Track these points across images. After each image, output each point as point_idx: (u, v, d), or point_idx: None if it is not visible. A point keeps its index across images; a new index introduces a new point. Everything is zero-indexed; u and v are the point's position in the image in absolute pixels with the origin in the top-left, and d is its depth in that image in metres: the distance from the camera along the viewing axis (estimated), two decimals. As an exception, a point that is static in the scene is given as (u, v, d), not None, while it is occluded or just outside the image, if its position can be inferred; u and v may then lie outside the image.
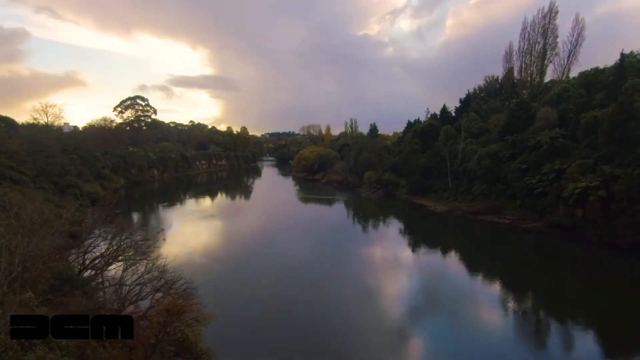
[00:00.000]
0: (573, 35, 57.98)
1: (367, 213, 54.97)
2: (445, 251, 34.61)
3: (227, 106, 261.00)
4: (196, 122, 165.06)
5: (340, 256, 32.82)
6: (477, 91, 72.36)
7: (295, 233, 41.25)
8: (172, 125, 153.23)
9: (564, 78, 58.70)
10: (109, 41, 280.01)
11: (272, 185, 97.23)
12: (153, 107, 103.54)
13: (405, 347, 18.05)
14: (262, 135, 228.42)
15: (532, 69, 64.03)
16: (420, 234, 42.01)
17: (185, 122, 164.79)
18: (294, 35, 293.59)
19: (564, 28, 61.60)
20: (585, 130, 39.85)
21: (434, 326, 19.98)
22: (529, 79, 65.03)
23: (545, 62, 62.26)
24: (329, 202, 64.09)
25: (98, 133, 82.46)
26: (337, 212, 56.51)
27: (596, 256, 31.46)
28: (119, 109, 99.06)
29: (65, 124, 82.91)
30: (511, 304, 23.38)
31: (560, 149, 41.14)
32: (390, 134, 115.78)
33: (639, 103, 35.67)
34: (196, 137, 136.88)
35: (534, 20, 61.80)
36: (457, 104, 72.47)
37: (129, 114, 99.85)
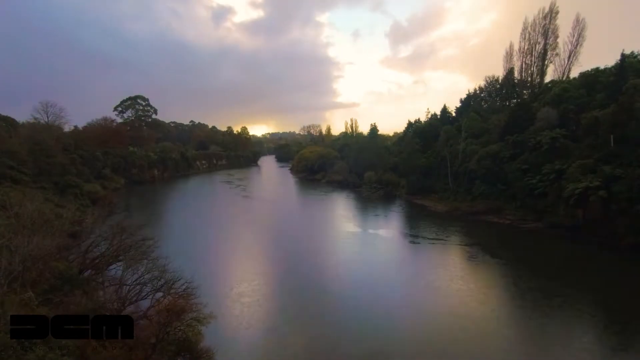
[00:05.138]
0: (573, 36, 57.94)
1: (367, 213, 54.88)
2: (445, 251, 34.54)
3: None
4: (196, 122, 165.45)
5: (342, 257, 32.83)
6: (478, 91, 72.33)
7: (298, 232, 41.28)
8: (172, 125, 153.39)
9: (564, 78, 58.63)
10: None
11: (272, 185, 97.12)
12: (153, 107, 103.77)
13: (404, 347, 18.03)
14: (262, 135, 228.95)
15: (532, 69, 63.92)
16: (420, 234, 41.93)
17: (186, 121, 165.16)
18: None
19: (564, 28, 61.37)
20: (586, 130, 39.81)
21: (432, 325, 19.95)
22: (529, 79, 64.94)
23: (546, 62, 62.17)
24: (330, 202, 64.08)
25: (98, 133, 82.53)
26: (338, 212, 56.47)
27: (596, 256, 31.39)
28: (120, 108, 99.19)
29: (65, 123, 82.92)
30: (510, 304, 23.34)
31: (561, 149, 41.11)
32: (391, 134, 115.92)
33: (639, 103, 35.63)
34: (196, 136, 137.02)
35: (534, 20, 61.77)
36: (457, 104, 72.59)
37: (129, 113, 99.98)
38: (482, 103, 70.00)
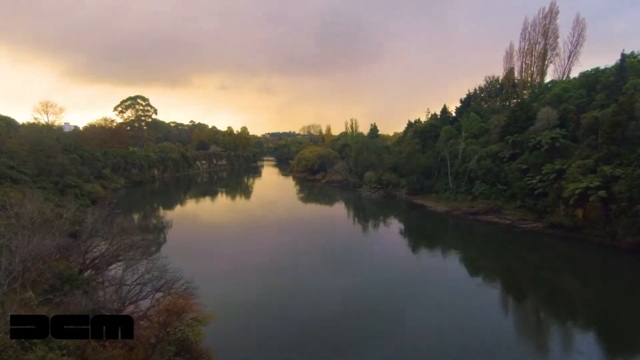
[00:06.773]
0: (574, 36, 58.03)
1: (367, 213, 54.97)
2: (445, 251, 34.58)
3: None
4: (197, 122, 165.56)
5: (344, 258, 32.84)
6: (478, 91, 72.34)
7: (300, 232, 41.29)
8: (172, 125, 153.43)
9: (564, 78, 58.72)
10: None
11: (272, 185, 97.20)
12: (153, 107, 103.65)
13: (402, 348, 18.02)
14: (262, 135, 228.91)
15: (532, 69, 64.01)
16: (421, 234, 42.00)
17: (186, 121, 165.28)
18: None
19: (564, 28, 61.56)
20: (586, 130, 39.81)
21: (433, 325, 19.93)
22: (529, 79, 65.01)
23: (546, 62, 62.26)
24: (330, 202, 64.20)
25: (98, 133, 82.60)
26: (339, 212, 56.54)
27: (596, 256, 31.43)
28: (120, 108, 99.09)
29: (65, 123, 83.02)
30: (511, 304, 23.36)
31: (561, 149, 41.12)
32: (391, 134, 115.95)
33: (639, 103, 35.65)
34: (197, 137, 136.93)
35: (534, 20, 61.87)
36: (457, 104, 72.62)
37: (129, 113, 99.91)
38: (482, 103, 70.06)
